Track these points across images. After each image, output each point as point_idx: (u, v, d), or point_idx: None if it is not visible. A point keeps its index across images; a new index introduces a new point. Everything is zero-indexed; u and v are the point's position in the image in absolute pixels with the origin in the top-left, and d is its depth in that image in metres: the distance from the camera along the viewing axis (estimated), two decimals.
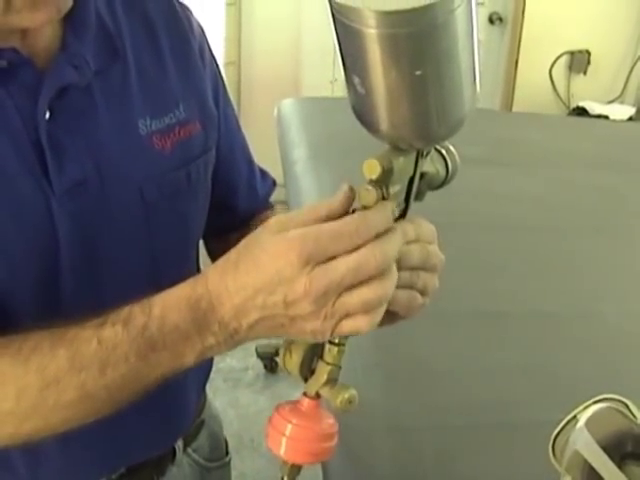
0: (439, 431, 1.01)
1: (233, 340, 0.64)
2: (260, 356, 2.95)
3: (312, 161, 1.98)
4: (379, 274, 0.60)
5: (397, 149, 0.64)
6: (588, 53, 4.01)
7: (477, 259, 1.47)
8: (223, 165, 0.94)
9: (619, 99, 4.12)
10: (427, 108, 0.58)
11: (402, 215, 0.68)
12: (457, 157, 0.71)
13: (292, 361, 0.70)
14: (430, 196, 0.72)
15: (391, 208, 0.63)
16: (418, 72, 0.54)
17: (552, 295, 1.48)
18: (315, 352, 0.70)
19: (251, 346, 2.95)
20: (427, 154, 0.68)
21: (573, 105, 4.03)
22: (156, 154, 0.81)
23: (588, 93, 4.03)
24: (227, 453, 1.13)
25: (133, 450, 0.92)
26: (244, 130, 1.03)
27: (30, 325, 0.67)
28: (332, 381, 0.69)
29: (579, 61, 4.02)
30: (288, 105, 2.48)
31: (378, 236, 0.60)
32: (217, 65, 0.95)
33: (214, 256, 1.04)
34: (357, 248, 0.59)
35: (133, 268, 0.82)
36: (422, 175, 0.68)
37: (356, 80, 0.57)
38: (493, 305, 1.40)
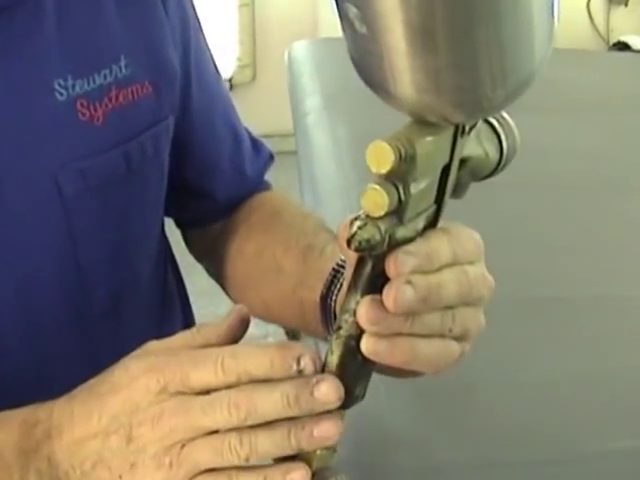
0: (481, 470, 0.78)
1: None
2: None
3: (326, 112, 1.75)
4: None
5: (423, 124, 0.41)
6: None
7: (522, 228, 1.24)
8: (197, 138, 0.74)
9: None
10: (477, 59, 0.36)
11: (432, 223, 0.46)
12: (515, 131, 0.48)
13: None
14: None
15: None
16: None
17: (619, 274, 1.18)
18: None
19: None
20: (471, 130, 0.45)
21: (613, 40, 3.83)
22: (81, 127, 0.60)
23: (629, 27, 3.85)
24: None
25: None
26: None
27: None
28: None
29: None
30: (300, 48, 2.21)
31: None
32: (191, 4, 0.73)
33: (194, 249, 0.84)
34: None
35: (53, 286, 0.62)
36: (463, 161, 0.45)
37: (352, 11, 0.35)
38: (544, 289, 1.11)
